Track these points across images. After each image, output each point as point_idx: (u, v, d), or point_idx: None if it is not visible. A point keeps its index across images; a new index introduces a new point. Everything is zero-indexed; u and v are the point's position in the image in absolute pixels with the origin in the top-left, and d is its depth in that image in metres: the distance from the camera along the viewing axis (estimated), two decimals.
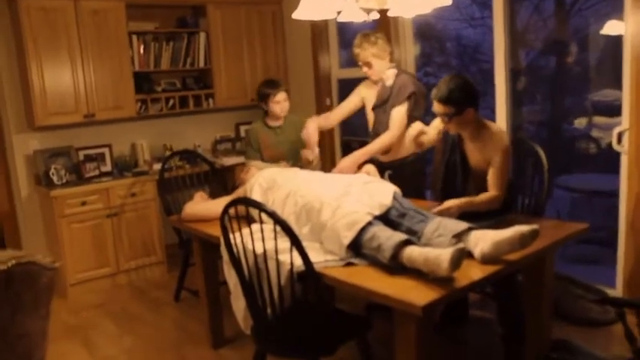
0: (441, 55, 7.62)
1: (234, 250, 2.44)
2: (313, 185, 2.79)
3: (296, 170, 3.24)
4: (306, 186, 2.79)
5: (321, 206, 2.57)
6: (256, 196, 2.99)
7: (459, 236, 2.34)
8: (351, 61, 5.77)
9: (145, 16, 5.15)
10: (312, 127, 3.60)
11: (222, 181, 4.79)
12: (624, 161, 3.43)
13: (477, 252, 2.26)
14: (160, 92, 5.19)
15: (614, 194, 3.55)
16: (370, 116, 3.72)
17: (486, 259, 2.25)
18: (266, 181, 3.02)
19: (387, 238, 2.26)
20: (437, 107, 2.79)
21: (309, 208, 2.63)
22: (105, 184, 4.68)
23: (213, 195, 4.07)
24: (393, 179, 3.52)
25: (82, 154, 4.95)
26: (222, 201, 3.17)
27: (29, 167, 4.78)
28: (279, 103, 3.90)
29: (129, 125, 5.24)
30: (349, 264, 2.37)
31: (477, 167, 2.90)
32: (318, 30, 5.40)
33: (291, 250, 2.22)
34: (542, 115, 5.48)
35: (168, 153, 5.29)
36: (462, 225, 2.36)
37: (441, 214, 2.60)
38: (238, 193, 3.23)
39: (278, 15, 5.71)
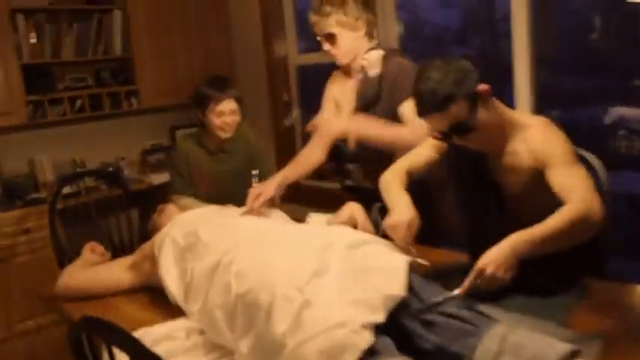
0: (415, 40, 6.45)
1: None
2: (262, 250, 1.62)
3: (236, 214, 2.07)
4: (249, 251, 1.62)
5: (273, 301, 1.40)
6: (167, 260, 1.84)
7: None
8: (314, 46, 4.60)
9: None
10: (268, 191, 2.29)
11: (147, 209, 3.55)
12: None
13: None
14: (62, 91, 3.91)
15: None
16: None
17: None
18: (184, 235, 1.85)
19: None
20: (430, 122, 1.70)
21: (250, 303, 1.45)
22: None
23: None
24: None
25: None
26: (118, 266, 2.00)
27: None
28: (223, 116, 2.67)
29: (22, 136, 3.95)
30: None
31: (516, 186, 1.79)
32: (269, 8, 4.21)
33: None
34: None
35: (80, 170, 4.05)
36: (559, 347, 1.23)
37: (477, 287, 1.48)
38: (144, 249, 2.03)
39: None
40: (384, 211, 2.28)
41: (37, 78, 3.76)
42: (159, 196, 3.90)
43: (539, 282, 1.65)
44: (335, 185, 3.70)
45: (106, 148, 4.28)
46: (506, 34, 3.09)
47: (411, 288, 1.43)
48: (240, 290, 1.47)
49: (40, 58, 3.77)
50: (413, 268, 1.47)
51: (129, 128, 4.44)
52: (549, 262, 1.59)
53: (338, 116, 2.45)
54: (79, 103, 3.95)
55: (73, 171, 4.03)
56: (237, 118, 2.70)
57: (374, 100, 2.29)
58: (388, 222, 1.79)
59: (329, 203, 2.45)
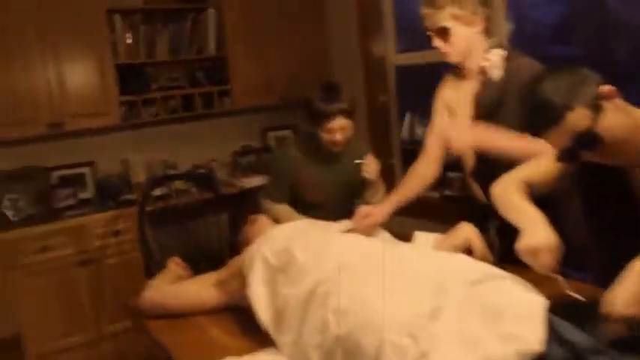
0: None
1: None
2: (365, 283, 1.38)
3: (336, 230, 1.85)
4: (351, 284, 1.39)
5: (381, 349, 1.17)
6: (256, 280, 1.66)
7: None
8: (413, 44, 4.33)
9: None
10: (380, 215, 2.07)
11: (237, 214, 3.42)
12: None
13: None
14: (155, 91, 3.86)
15: None
16: None
17: None
18: (276, 252, 1.66)
19: None
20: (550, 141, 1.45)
21: (352, 348, 1.24)
22: (76, 221, 3.40)
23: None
24: (506, 240, 2.05)
25: (55, 176, 3.70)
26: (206, 282, 1.84)
27: None
28: (333, 133, 2.43)
29: (116, 137, 3.94)
30: None
31: None
32: (367, 7, 3.99)
33: None
34: None
35: (171, 172, 3.99)
36: None
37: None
38: (232, 265, 1.85)
39: None
40: (503, 234, 2.02)
41: (131, 78, 3.73)
42: (250, 201, 3.78)
43: None
44: (433, 194, 3.45)
45: (197, 150, 4.20)
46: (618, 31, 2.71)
47: (550, 328, 1.17)
48: (341, 332, 1.26)
49: (135, 58, 3.73)
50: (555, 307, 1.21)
51: (220, 129, 4.35)
52: None
53: (454, 125, 2.17)
54: (172, 103, 3.89)
55: (164, 172, 3.98)
56: (347, 133, 2.45)
57: (497, 108, 1.99)
58: (524, 245, 1.49)
59: (426, 213, 2.21)
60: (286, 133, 4.63)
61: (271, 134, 4.58)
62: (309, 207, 2.56)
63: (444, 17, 1.99)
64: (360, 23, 4.09)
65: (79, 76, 3.50)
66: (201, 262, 2.87)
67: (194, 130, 4.23)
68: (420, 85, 4.37)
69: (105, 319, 3.48)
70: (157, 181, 3.27)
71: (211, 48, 3.98)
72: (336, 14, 4.30)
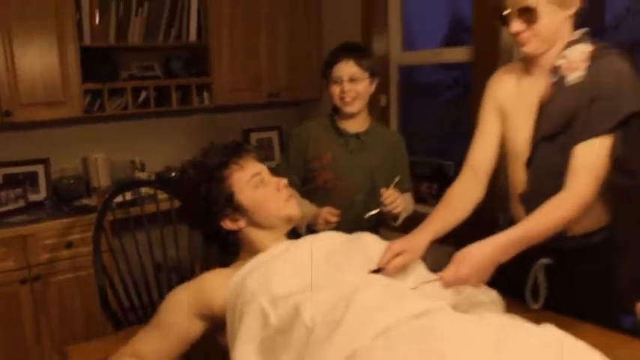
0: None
1: None
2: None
3: (356, 269, 1.37)
4: (362, 336, 1.05)
5: None
6: (246, 343, 1.22)
7: None
8: (418, 43, 3.88)
9: None
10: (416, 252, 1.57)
11: None
12: None
13: None
14: (125, 80, 3.33)
15: None
16: (519, 153, 1.70)
17: None
18: (278, 305, 1.22)
19: None
20: None
21: None
22: (21, 229, 2.85)
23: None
24: (554, 282, 1.67)
25: (0, 174, 3.17)
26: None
27: None
28: (341, 84, 2.18)
29: (76, 131, 3.42)
30: None
31: None
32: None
33: None
34: None
35: (139, 176, 3.47)
36: None
37: None
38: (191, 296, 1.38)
39: None
40: (553, 273, 1.67)
41: (97, 64, 3.20)
42: None
43: None
44: None
45: (169, 150, 3.70)
46: None
47: None
48: None
49: (102, 41, 3.21)
50: None
51: (197, 128, 3.84)
52: None
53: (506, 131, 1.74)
54: (143, 95, 3.37)
55: (131, 175, 3.47)
56: (361, 87, 2.19)
57: (569, 121, 1.54)
58: None
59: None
60: (270, 134, 4.16)
61: (254, 135, 4.10)
62: (325, 194, 2.24)
63: None
64: (363, 15, 3.63)
65: (34, 59, 2.96)
66: (171, 273, 2.45)
67: (167, 127, 3.72)
68: (425, 88, 3.96)
69: (50, 348, 2.95)
70: (122, 188, 2.75)
71: (192, 34, 3.47)
72: (336, 5, 3.84)
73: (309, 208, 2.14)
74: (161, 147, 3.69)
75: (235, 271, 1.37)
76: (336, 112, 2.30)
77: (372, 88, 2.25)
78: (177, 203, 2.62)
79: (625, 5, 3.50)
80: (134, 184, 2.95)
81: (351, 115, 2.25)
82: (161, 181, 3.45)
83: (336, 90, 2.20)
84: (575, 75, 1.53)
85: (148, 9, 3.32)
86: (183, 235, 2.45)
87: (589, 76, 1.51)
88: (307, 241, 1.48)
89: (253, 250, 1.45)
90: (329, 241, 1.50)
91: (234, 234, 1.48)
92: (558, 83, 1.57)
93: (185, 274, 2.47)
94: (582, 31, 1.59)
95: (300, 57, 3.81)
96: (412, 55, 3.58)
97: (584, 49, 1.54)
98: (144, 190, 2.96)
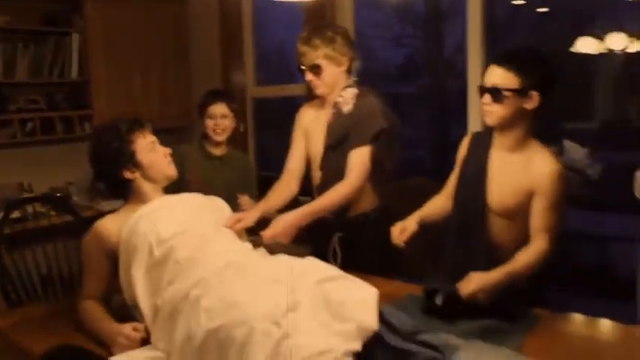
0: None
1: None
2: (233, 286, 1.62)
3: (213, 227, 2.02)
4: (220, 286, 1.62)
5: (250, 336, 1.41)
6: (139, 268, 1.84)
7: None
8: (269, 79, 4.67)
9: None
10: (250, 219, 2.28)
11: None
12: None
13: None
14: (13, 112, 3.80)
15: None
16: (316, 159, 2.51)
17: None
18: (160, 244, 1.82)
19: None
20: (492, 74, 1.90)
21: (223, 339, 1.45)
22: None
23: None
24: (347, 248, 2.45)
25: None
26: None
27: None
28: (215, 119, 2.95)
29: None
30: None
31: (501, 204, 1.98)
32: (229, 37, 4.25)
33: None
34: None
35: (27, 195, 3.91)
36: None
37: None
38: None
39: (181, 18, 4.51)
40: (344, 243, 2.41)
41: None
42: None
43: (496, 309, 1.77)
44: None
45: (55, 173, 4.15)
46: (455, 72, 3.27)
47: (381, 317, 1.50)
48: (212, 326, 1.47)
49: None
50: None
51: (80, 154, 4.30)
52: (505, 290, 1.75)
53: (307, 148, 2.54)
54: (30, 125, 3.84)
55: (19, 195, 3.89)
56: (228, 122, 2.96)
57: (344, 137, 2.36)
58: None
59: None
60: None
61: None
62: None
63: (318, 56, 2.34)
64: (222, 53, 4.34)
65: None
66: (61, 285, 2.94)
67: (53, 153, 4.18)
68: (276, 118, 4.74)
69: None
70: (13, 204, 3.21)
71: (74, 71, 4.00)
72: (200, 43, 4.52)
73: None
74: (47, 171, 4.12)
75: (124, 214, 1.97)
76: (204, 139, 3.02)
77: (234, 123, 3.01)
78: (66, 218, 3.14)
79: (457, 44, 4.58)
80: (24, 201, 3.43)
81: (218, 143, 2.98)
82: (47, 198, 3.90)
83: (210, 123, 2.93)
84: (347, 107, 2.37)
85: (33, 50, 3.81)
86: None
87: (355, 108, 2.36)
88: (181, 198, 2.09)
89: (140, 198, 2.04)
90: (195, 199, 2.14)
91: (129, 182, 2.04)
92: (338, 113, 2.40)
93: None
94: (353, 79, 2.44)
95: (170, 93, 4.41)
96: (263, 90, 4.33)
97: (353, 91, 2.39)
98: (35, 207, 3.43)
